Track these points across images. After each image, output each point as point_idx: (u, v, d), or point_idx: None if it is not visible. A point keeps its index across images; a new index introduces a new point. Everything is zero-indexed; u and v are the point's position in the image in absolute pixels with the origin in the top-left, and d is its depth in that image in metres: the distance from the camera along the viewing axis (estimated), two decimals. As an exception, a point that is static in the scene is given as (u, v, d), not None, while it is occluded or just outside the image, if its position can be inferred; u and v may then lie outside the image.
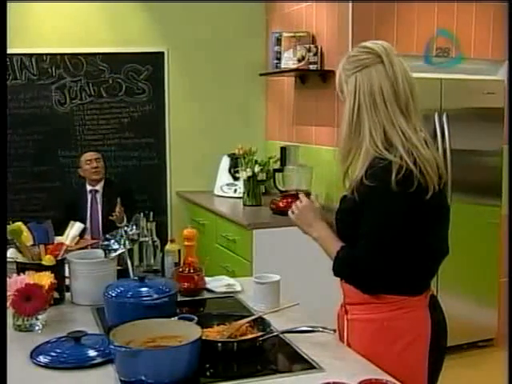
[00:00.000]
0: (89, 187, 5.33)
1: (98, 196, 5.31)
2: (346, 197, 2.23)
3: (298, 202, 2.45)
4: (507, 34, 4.56)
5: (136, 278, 2.47)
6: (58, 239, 2.83)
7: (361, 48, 2.22)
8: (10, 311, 2.35)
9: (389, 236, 2.10)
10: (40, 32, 5.62)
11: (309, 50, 5.07)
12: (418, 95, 2.19)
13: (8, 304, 2.32)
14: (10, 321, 2.38)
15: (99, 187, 5.33)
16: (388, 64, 2.15)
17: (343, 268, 2.22)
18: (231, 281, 3.02)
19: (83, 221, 2.98)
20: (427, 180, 2.09)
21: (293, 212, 2.45)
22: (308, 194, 2.52)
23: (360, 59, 2.19)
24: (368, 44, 2.22)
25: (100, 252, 2.80)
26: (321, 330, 2.36)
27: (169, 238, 3.04)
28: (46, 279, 2.40)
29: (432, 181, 2.10)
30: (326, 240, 2.30)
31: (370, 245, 2.11)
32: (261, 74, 5.82)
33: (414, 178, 2.06)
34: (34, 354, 2.13)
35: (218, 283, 2.97)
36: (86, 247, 2.97)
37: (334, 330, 2.34)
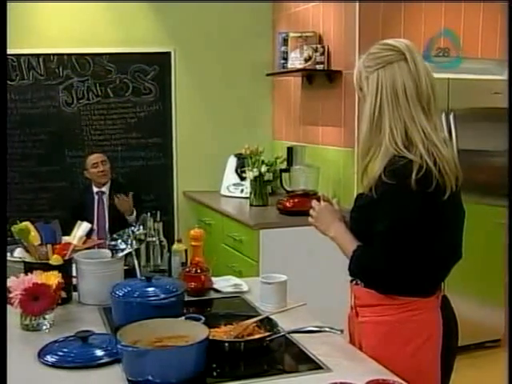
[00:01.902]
0: (95, 189, 5.33)
1: (105, 197, 5.31)
2: (363, 195, 2.22)
3: (315, 205, 2.44)
4: (507, 34, 4.56)
5: (143, 277, 2.48)
6: (66, 239, 2.83)
7: (383, 45, 2.21)
8: (17, 311, 2.36)
9: (405, 235, 2.09)
10: (47, 32, 5.63)
11: (315, 50, 5.06)
12: (438, 93, 2.18)
13: (15, 303, 2.32)
14: (17, 320, 2.39)
15: (105, 189, 5.33)
16: (411, 61, 2.15)
17: (359, 267, 2.21)
18: (238, 281, 3.02)
19: (90, 222, 2.98)
20: (445, 180, 2.08)
21: (311, 215, 2.43)
22: (317, 198, 2.50)
23: (382, 56, 2.17)
24: (390, 41, 2.21)
25: (107, 252, 2.80)
26: (328, 330, 2.35)
27: (176, 238, 3.04)
28: (53, 279, 2.40)
29: (450, 181, 2.09)
30: (343, 239, 2.29)
31: (386, 244, 2.11)
32: (267, 74, 5.82)
33: (433, 178, 2.05)
34: (42, 353, 2.13)
35: (224, 283, 2.97)
36: (92, 247, 2.96)
37: (341, 331, 2.34)
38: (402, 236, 2.09)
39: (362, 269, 2.22)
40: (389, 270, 2.13)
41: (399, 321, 2.17)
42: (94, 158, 5.34)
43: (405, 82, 2.13)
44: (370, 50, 2.24)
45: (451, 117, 4.85)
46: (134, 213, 5.06)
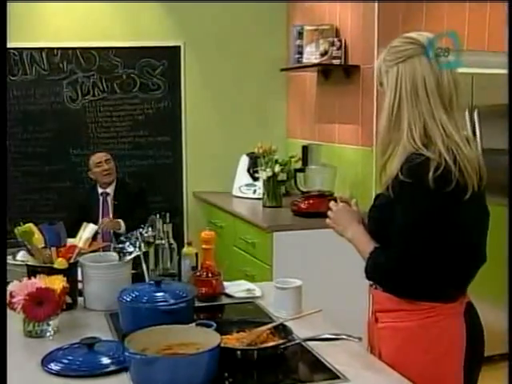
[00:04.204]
0: (100, 190, 5.34)
1: (109, 199, 5.32)
2: (381, 195, 2.23)
3: (332, 205, 2.44)
4: (507, 33, 4.55)
5: (152, 282, 2.48)
6: (71, 241, 2.84)
7: (404, 38, 2.22)
8: (20, 316, 2.37)
9: (422, 236, 2.08)
10: (50, 25, 5.65)
11: (332, 44, 5.06)
12: (462, 90, 2.18)
13: (18, 309, 2.33)
14: (20, 326, 2.40)
15: (110, 190, 5.34)
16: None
17: (375, 269, 2.21)
18: (251, 286, 3.02)
19: (94, 224, 2.99)
20: (466, 180, 2.08)
21: (328, 216, 2.44)
22: (334, 198, 2.51)
23: (403, 50, 2.18)
24: (412, 34, 2.21)
25: (114, 255, 2.81)
26: (345, 337, 2.35)
27: (185, 241, 3.05)
28: (58, 283, 2.41)
29: (472, 181, 2.09)
30: (360, 241, 2.30)
31: (403, 245, 2.10)
32: (282, 70, 5.83)
33: (452, 177, 2.04)
34: (46, 361, 2.14)
35: (237, 288, 2.97)
36: (98, 250, 2.97)
37: (360, 338, 2.34)
38: (419, 237, 2.09)
39: (377, 271, 2.21)
40: (405, 272, 2.12)
41: (420, 327, 2.17)
42: (97, 158, 5.36)
43: (425, 77, 2.14)
44: (391, 43, 2.24)
45: (475, 114, 4.83)
46: (123, 226, 5.03)
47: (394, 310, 2.21)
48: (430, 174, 2.03)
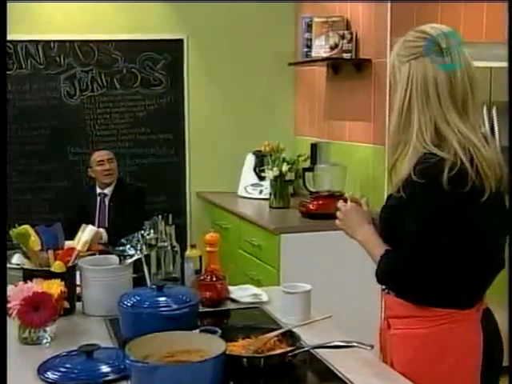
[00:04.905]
0: (98, 190, 5.34)
1: (107, 200, 5.31)
2: (392, 195, 2.22)
3: (341, 206, 2.43)
4: (507, 31, 4.55)
5: (153, 286, 2.48)
6: (69, 244, 2.85)
7: (418, 32, 2.20)
8: (15, 322, 2.37)
9: (435, 239, 2.08)
10: (47, 17, 5.66)
11: (342, 37, 5.06)
12: (479, 89, 2.16)
13: (14, 314, 2.33)
14: (15, 333, 2.40)
15: (108, 191, 5.32)
16: (447, 53, 2.13)
17: (384, 273, 2.21)
18: (257, 290, 3.02)
19: (92, 225, 2.99)
20: (483, 181, 2.07)
21: (337, 217, 2.43)
22: (344, 198, 2.51)
23: (416, 46, 2.17)
24: (427, 28, 2.20)
25: (114, 258, 2.81)
26: (356, 345, 2.34)
27: (189, 243, 3.05)
28: (55, 287, 2.42)
29: (489, 183, 2.08)
30: (371, 244, 2.29)
31: (415, 247, 2.10)
32: (289, 64, 5.82)
33: (468, 178, 2.04)
34: (42, 369, 2.14)
35: (242, 293, 2.97)
36: (94, 253, 2.98)
37: (371, 346, 2.32)
38: (432, 239, 2.08)
39: (388, 274, 2.21)
40: (417, 277, 2.12)
41: (434, 334, 2.17)
42: (99, 155, 5.35)
43: (437, 77, 2.12)
44: (405, 36, 2.23)
45: (494, 110, 4.82)
46: (104, 236, 4.99)
47: (407, 315, 2.21)
48: (445, 173, 2.03)
